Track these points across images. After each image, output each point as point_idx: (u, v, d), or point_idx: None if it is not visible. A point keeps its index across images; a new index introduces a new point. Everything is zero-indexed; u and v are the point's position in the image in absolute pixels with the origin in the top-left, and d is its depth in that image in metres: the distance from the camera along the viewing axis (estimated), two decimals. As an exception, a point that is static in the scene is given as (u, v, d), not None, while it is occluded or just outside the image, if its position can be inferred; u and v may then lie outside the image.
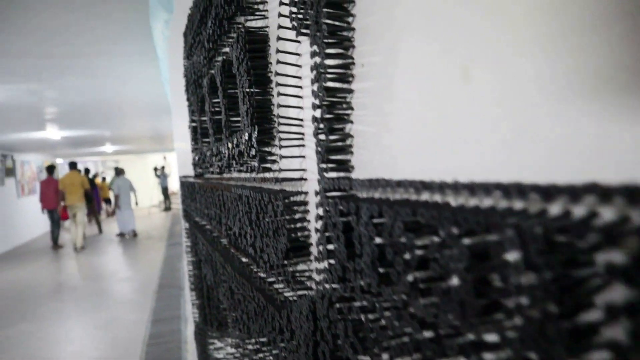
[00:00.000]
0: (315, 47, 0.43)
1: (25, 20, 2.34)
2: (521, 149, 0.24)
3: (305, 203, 0.56)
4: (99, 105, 5.10)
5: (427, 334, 0.30)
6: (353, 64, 0.41)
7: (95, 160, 18.16)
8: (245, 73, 0.65)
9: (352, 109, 0.42)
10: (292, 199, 0.56)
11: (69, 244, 8.75)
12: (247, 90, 0.65)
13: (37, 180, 11.24)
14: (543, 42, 0.22)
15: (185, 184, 2.00)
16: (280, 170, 0.62)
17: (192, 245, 1.78)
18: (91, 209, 9.37)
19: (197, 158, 1.40)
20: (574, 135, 0.21)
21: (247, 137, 0.69)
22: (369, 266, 0.33)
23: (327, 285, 0.44)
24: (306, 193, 0.56)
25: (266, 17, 0.66)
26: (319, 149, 0.44)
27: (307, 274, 0.57)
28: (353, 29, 0.41)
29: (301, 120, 0.55)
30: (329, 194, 0.43)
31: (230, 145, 0.82)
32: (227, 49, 0.83)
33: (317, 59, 0.42)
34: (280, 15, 0.56)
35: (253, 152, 0.67)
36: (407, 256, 0.30)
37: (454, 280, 0.26)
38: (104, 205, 13.14)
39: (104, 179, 14.20)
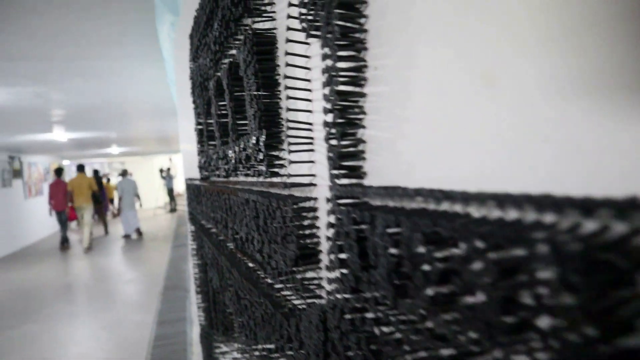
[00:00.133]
0: (326, 49, 0.41)
1: (30, 22, 2.35)
2: (546, 157, 0.23)
3: (314, 209, 0.54)
4: (105, 107, 5.11)
5: (446, 351, 0.29)
6: (366, 66, 0.40)
7: (101, 161, 18.26)
8: (253, 76, 0.64)
9: (364, 113, 0.41)
10: (301, 204, 0.55)
11: (76, 244, 8.80)
12: (255, 93, 0.64)
13: (44, 181, 11.31)
14: (572, 45, 0.21)
15: (191, 187, 1.99)
16: (289, 175, 0.61)
17: (198, 248, 1.77)
18: (98, 210, 9.43)
19: (203, 161, 1.39)
20: (613, 146, 0.19)
21: (254, 141, 0.67)
22: (385, 278, 0.32)
23: (338, 296, 0.42)
24: (316, 199, 0.54)
25: (274, 19, 0.65)
26: (331, 154, 0.43)
27: (316, 282, 0.55)
28: (366, 31, 0.39)
29: (310, 124, 0.54)
30: (340, 201, 0.41)
31: (237, 148, 0.81)
32: (234, 51, 0.82)
33: (329, 62, 0.41)
34: (288, 16, 0.55)
35: (261, 156, 0.66)
36: (425, 268, 0.28)
37: (479, 296, 0.24)
38: (110, 206, 13.20)
39: (108, 180, 14.26)
